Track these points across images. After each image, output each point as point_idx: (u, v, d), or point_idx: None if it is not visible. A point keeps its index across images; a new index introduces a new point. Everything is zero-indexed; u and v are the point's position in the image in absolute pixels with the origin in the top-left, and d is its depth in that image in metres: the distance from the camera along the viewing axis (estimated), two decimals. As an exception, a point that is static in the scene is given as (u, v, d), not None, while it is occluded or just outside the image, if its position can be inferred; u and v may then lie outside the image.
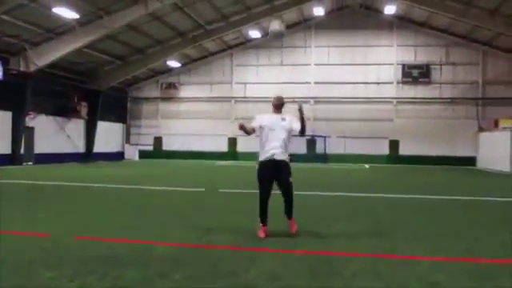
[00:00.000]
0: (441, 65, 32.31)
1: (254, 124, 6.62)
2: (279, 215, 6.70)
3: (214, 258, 5.36)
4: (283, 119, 6.50)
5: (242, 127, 6.56)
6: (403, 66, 32.48)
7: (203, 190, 13.22)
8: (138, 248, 5.79)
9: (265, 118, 6.62)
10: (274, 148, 6.40)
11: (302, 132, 6.55)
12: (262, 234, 6.41)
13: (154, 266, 4.96)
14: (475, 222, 8.22)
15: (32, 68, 24.22)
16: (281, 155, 6.43)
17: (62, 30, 23.96)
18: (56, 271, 4.66)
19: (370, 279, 4.58)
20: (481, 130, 30.76)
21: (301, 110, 6.48)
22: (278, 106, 6.61)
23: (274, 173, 6.43)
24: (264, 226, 6.51)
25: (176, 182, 15.70)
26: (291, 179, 6.49)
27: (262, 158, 6.51)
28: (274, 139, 6.42)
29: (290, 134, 6.54)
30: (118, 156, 35.10)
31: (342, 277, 4.67)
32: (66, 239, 6.18)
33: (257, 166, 6.57)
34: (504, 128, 27.30)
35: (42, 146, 27.15)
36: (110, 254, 5.44)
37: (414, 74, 32.17)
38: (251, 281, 4.49)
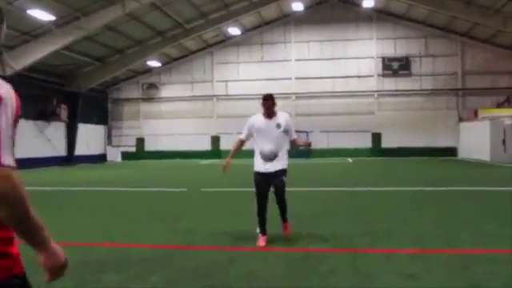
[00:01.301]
0: (420, 57, 32.54)
1: (244, 133, 6.18)
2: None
3: (191, 258, 5.33)
4: (278, 125, 5.95)
5: (228, 166, 6.29)
6: (383, 58, 32.64)
7: (185, 190, 13.15)
8: (117, 251, 5.73)
9: (257, 122, 6.07)
10: (269, 160, 5.97)
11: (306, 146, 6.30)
12: (261, 243, 5.91)
13: (131, 268, 4.91)
14: (455, 213, 8.29)
15: (9, 72, 23.75)
16: (278, 166, 5.99)
17: (38, 32, 23.60)
18: (32, 278, 4.56)
19: (347, 275, 4.59)
20: (461, 120, 31.10)
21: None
22: (270, 108, 6.01)
23: (269, 180, 6.02)
24: (263, 235, 6.03)
25: (158, 183, 15.59)
26: (285, 178, 6.10)
27: (256, 167, 6.09)
28: (271, 149, 5.95)
29: (286, 137, 6.11)
30: (101, 158, 34.75)
31: (320, 273, 4.67)
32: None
33: (253, 172, 6.14)
34: (483, 118, 27.64)
35: (21, 150, 26.69)
36: (88, 258, 5.38)
37: (395, 67, 32.35)
38: (229, 281, 4.46)
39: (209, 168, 25.29)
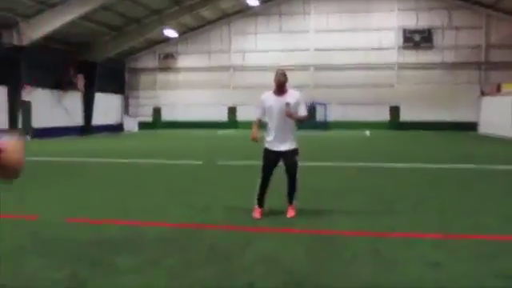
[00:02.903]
0: (443, 29, 31.65)
1: (257, 113, 6.11)
2: (279, 192, 6.47)
3: (208, 239, 5.20)
4: (287, 104, 5.79)
5: (255, 137, 6.07)
6: (404, 30, 31.82)
7: (201, 163, 13.04)
8: (131, 230, 5.62)
9: (267, 99, 6.00)
10: (278, 138, 5.94)
11: (302, 122, 6.09)
12: (257, 215, 6.04)
13: (146, 250, 4.80)
14: (478, 194, 8.04)
15: (25, 41, 23.70)
16: (286, 145, 5.96)
17: (54, 1, 23.35)
18: (45, 259, 4.49)
19: (369, 261, 4.41)
20: (483, 94, 30.34)
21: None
22: (281, 85, 5.89)
23: (279, 158, 6.02)
24: (260, 207, 6.13)
25: (174, 155, 15.54)
26: (298, 158, 6.06)
27: (267, 144, 6.07)
28: (279, 128, 5.91)
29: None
30: (118, 128, 34.85)
31: (342, 258, 4.51)
32: (58, 222, 6.00)
33: (263, 147, 6.11)
34: (507, 92, 26.90)
35: (39, 120, 26.85)
36: (102, 237, 5.28)
37: (416, 39, 31.55)
38: (247, 265, 4.32)
39: (226, 139, 25.19)
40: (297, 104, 5.89)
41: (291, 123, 5.97)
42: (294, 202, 6.19)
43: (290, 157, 6.00)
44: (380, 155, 15.38)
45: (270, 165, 6.05)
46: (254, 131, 6.10)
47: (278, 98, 5.91)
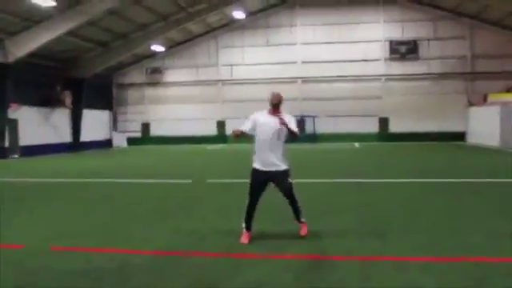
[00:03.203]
0: (428, 40, 31.91)
1: (246, 125, 6.01)
2: (269, 213, 6.43)
3: (195, 267, 5.12)
4: (281, 123, 5.82)
5: (236, 135, 6.00)
6: (390, 42, 32.04)
7: (190, 181, 12.93)
8: (117, 258, 5.50)
9: (261, 116, 6.02)
10: (268, 158, 5.93)
11: (294, 136, 5.98)
12: (245, 240, 6.03)
13: (132, 280, 4.72)
14: (467, 210, 8.03)
15: (11, 58, 23.53)
16: (277, 166, 5.96)
17: (39, 17, 23.19)
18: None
19: (357, 287, 4.36)
20: (470, 104, 30.59)
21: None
22: (276, 105, 5.92)
23: (268, 180, 6.03)
24: (248, 231, 6.13)
25: (163, 173, 15.43)
26: (290, 180, 6.07)
27: (256, 164, 6.05)
28: (270, 147, 5.92)
29: (286, 137, 5.99)
30: (106, 144, 34.62)
31: (329, 284, 4.44)
32: (42, 250, 5.89)
33: (252, 167, 6.09)
34: (493, 102, 27.17)
35: (27, 137, 26.59)
36: (87, 267, 5.19)
37: (402, 51, 31.78)
38: (233, 296, 4.25)
39: (215, 154, 25.12)
40: (290, 121, 5.95)
41: (281, 143, 5.99)
42: (302, 218, 6.30)
43: (281, 180, 6.02)
44: (368, 169, 15.38)
45: (259, 186, 6.04)
46: (237, 130, 6.02)
47: (271, 116, 5.94)
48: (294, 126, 5.96)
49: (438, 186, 11.04)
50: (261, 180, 6.01)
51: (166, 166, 18.37)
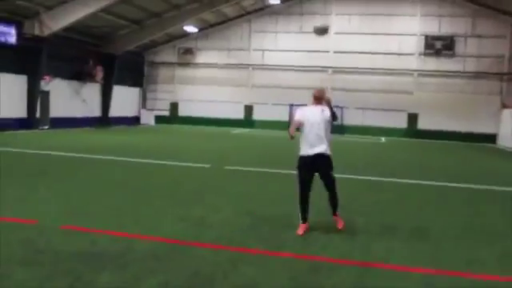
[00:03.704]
0: (466, 37, 31.04)
1: (298, 119, 6.51)
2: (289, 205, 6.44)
3: (195, 258, 5.18)
4: (323, 111, 6.41)
5: (292, 137, 6.43)
6: (426, 37, 31.29)
7: (209, 166, 13.04)
8: (122, 243, 5.61)
9: (306, 112, 6.52)
10: (315, 143, 6.35)
11: (334, 118, 6.48)
12: (300, 232, 6.32)
13: (131, 267, 4.79)
14: (483, 222, 7.87)
15: (46, 32, 23.99)
16: (322, 148, 6.37)
17: (76, -7, 23.59)
18: (29, 271, 4.53)
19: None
20: (504, 106, 29.74)
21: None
22: (319, 98, 6.53)
23: (314, 165, 6.41)
24: (304, 223, 6.45)
25: (184, 155, 15.58)
26: (333, 173, 6.52)
27: (303, 152, 6.44)
28: (316, 134, 6.36)
29: (330, 124, 6.50)
30: (134, 121, 35.13)
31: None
32: (52, 228, 6.05)
33: (298, 157, 6.52)
34: (527, 106, 26.37)
35: (57, 109, 27.22)
36: (91, 249, 5.32)
37: (438, 46, 30.99)
38: (226, 293, 4.29)
39: (239, 139, 25.21)
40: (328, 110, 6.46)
41: (328, 132, 6.46)
42: (338, 211, 6.69)
43: (327, 171, 6.45)
44: (390, 168, 15.20)
45: (308, 173, 6.41)
46: (292, 129, 6.46)
47: (315, 108, 6.51)
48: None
49: (459, 192, 10.84)
50: (309, 164, 6.37)
51: (188, 148, 18.52)
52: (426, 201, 9.43)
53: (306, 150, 6.38)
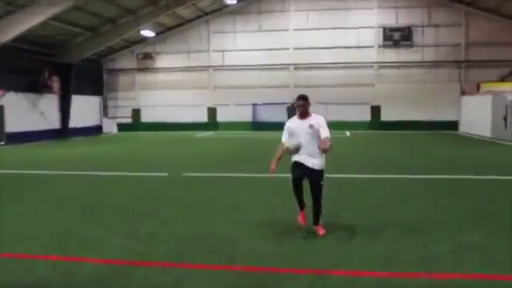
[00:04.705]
0: (423, 27, 31.40)
1: (284, 136, 6.40)
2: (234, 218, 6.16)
3: (139, 280, 4.85)
4: (310, 126, 6.12)
5: (273, 170, 6.45)
6: (384, 29, 31.50)
7: (166, 174, 12.66)
8: (61, 267, 5.24)
9: (292, 124, 6.35)
10: (305, 154, 6.21)
11: (325, 151, 6.19)
12: (300, 220, 6.50)
13: (67, 296, 4.45)
14: (442, 215, 7.77)
15: (-5, 44, 23.09)
16: (312, 161, 6.21)
17: (23, 2, 22.71)
18: None
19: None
20: (463, 93, 30.23)
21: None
22: (302, 107, 6.23)
23: (305, 171, 6.26)
24: (301, 209, 6.51)
25: (141, 164, 15.17)
26: (322, 182, 6.30)
27: (295, 157, 6.33)
28: (307, 150, 6.18)
29: (319, 138, 6.13)
30: (96, 130, 34.23)
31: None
32: (-12, 257, 5.63)
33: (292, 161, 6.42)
34: (485, 92, 26.82)
35: (14, 124, 26.21)
36: (27, 278, 4.94)
37: (396, 37, 31.28)
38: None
39: (202, 142, 24.84)
40: (320, 125, 6.15)
41: (317, 146, 6.17)
42: (320, 222, 6.45)
43: (315, 178, 6.24)
44: (352, 162, 15.11)
45: (298, 174, 6.29)
46: (274, 161, 6.40)
47: (301, 121, 6.23)
48: (323, 132, 6.12)
49: (418, 184, 10.78)
50: (300, 171, 6.26)
51: (147, 156, 18.04)
52: (387, 195, 9.31)
53: (299, 157, 6.29)
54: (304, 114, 6.23)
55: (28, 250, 5.97)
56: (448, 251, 5.65)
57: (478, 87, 28.79)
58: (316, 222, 6.42)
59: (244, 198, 9.09)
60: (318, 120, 6.20)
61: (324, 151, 6.10)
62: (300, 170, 6.25)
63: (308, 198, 6.43)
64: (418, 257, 5.45)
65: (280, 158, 6.44)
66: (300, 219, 6.52)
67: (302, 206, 6.51)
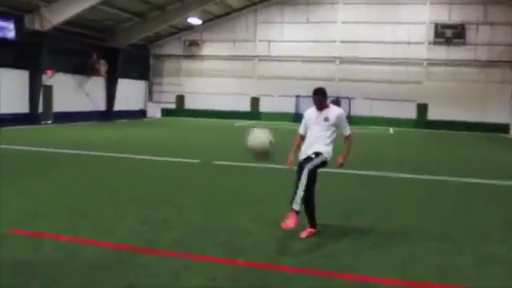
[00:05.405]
0: (477, 24, 30.07)
1: (301, 127, 6.19)
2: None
3: (138, 268, 4.73)
4: (326, 119, 5.84)
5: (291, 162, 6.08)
6: (436, 25, 30.40)
7: (198, 161, 12.64)
8: (68, 250, 5.20)
9: (309, 114, 6.07)
10: (309, 147, 5.86)
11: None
12: (287, 224, 5.62)
13: (64, 277, 4.41)
14: (471, 222, 7.34)
15: (46, 26, 23.74)
16: (313, 150, 5.80)
17: (75, -14, 23.28)
18: None
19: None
20: (516, 95, 28.81)
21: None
22: (318, 100, 5.92)
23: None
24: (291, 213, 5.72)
25: (177, 150, 15.23)
26: (315, 157, 5.70)
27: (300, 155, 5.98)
28: (312, 137, 5.90)
29: (333, 132, 5.89)
30: (140, 114, 34.89)
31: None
32: (3, 233, 5.68)
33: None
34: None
35: (61, 104, 27.04)
36: (31, 257, 4.93)
37: (448, 35, 30.10)
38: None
39: (241, 131, 24.75)
40: (338, 121, 5.90)
41: (329, 137, 5.87)
42: (294, 205, 5.54)
43: (306, 162, 5.71)
44: (390, 161, 14.61)
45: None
46: (291, 156, 6.08)
47: (318, 112, 5.94)
48: (345, 129, 5.98)
49: (452, 188, 10.25)
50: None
51: (184, 142, 18.17)
52: (416, 197, 8.90)
53: (301, 154, 5.96)
54: (321, 107, 5.93)
55: (39, 228, 6.01)
56: (470, 262, 5.28)
57: (533, 90, 27.34)
58: (291, 202, 5.59)
59: (269, 189, 8.89)
60: (335, 114, 5.89)
61: (348, 151, 5.95)
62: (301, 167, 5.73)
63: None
64: (436, 265, 5.11)
65: (298, 149, 6.13)
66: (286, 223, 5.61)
67: (309, 218, 5.97)
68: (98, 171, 10.78)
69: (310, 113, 6.04)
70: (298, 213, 5.53)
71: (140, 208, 7.27)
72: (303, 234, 5.84)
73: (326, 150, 5.80)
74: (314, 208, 5.89)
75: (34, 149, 14.42)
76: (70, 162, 12.19)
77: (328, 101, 6.01)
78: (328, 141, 5.85)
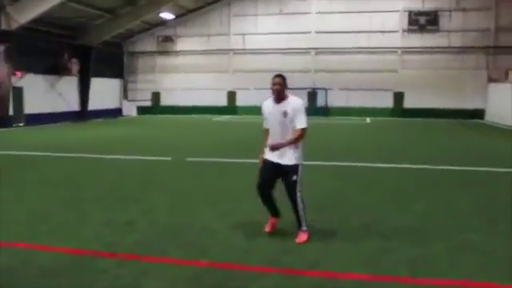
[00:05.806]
0: (450, 11, 30.17)
1: (264, 121, 5.58)
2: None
3: (95, 273, 4.49)
4: (284, 113, 5.24)
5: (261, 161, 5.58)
6: (410, 12, 30.39)
7: (170, 158, 12.36)
8: (22, 256, 4.94)
9: (266, 107, 5.45)
10: (278, 152, 5.36)
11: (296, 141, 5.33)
12: (267, 229, 5.68)
13: (17, 286, 4.15)
14: (448, 209, 7.23)
15: (14, 25, 23.06)
16: (286, 159, 5.33)
17: (41, -17, 22.63)
18: None
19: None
20: (490, 80, 29.00)
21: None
22: (276, 88, 5.25)
23: (276, 172, 5.41)
24: (271, 216, 5.73)
25: (150, 148, 14.90)
26: (296, 177, 5.32)
27: (265, 154, 5.52)
28: (273, 135, 5.39)
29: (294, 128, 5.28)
30: (116, 113, 34.29)
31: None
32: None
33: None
34: (514, 79, 25.67)
35: (32, 106, 26.36)
36: (-19, 267, 4.65)
37: (421, 22, 30.13)
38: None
39: (217, 126, 24.53)
40: (295, 112, 5.25)
41: (294, 134, 5.29)
42: (303, 226, 5.45)
43: (288, 175, 5.33)
44: (367, 150, 14.52)
45: (264, 180, 5.47)
46: (262, 156, 5.57)
47: (276, 105, 5.35)
48: (299, 121, 5.26)
49: (430, 176, 10.14)
50: (267, 170, 5.45)
51: (158, 140, 17.81)
52: (395, 187, 8.78)
53: (267, 152, 5.51)
54: (279, 98, 5.28)
55: (2, 235, 5.71)
56: (443, 252, 5.13)
57: (507, 74, 27.51)
58: (298, 225, 5.47)
59: (241, 186, 8.66)
60: (294, 105, 5.27)
61: (291, 143, 5.28)
62: (268, 171, 5.42)
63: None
64: (407, 257, 4.95)
65: None
66: (267, 227, 5.71)
67: (270, 210, 5.69)
68: (66, 173, 10.42)
69: (268, 106, 5.44)
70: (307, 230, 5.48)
71: (104, 210, 6.99)
72: (300, 238, 5.43)
73: (296, 156, 5.34)
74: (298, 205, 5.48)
75: (1, 152, 13.96)
76: (38, 164, 11.79)
77: (287, 91, 5.37)
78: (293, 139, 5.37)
